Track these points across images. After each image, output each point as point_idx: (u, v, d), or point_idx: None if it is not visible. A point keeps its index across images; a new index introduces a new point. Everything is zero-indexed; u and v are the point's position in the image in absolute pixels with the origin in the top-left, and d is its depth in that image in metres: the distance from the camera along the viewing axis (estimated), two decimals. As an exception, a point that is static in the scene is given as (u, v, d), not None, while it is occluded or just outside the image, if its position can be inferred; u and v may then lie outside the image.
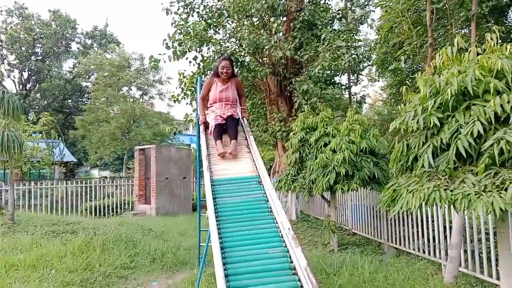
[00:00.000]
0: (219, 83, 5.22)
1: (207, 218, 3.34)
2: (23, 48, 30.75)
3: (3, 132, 8.14)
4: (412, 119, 3.81)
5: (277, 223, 3.16)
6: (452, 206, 3.35)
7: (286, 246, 2.88)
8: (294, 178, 8.47)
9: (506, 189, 3.05)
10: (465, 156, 3.39)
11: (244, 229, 3.11)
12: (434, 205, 6.32)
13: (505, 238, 3.96)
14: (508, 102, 3.24)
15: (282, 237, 2.98)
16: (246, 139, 4.76)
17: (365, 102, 15.35)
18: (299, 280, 2.55)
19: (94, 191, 14.38)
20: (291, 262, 2.72)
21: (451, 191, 3.32)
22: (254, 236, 3.01)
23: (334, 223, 8.06)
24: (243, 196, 3.57)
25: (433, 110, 3.66)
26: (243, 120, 5.32)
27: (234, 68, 5.39)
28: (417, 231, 6.90)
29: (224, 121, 4.97)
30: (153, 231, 9.14)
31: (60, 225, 8.31)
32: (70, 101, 34.38)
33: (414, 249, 6.98)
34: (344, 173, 7.15)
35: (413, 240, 7.01)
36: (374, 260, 6.52)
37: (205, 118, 5.18)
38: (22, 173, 18.66)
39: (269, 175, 13.36)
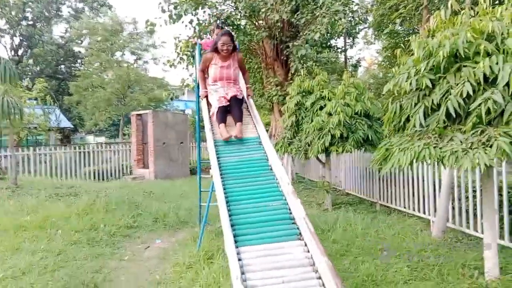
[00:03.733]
0: (219, 60, 4.68)
1: (211, 177, 3.54)
2: (13, 12, 30.00)
3: (2, 98, 8.20)
4: (406, 81, 3.97)
5: (277, 179, 3.38)
6: (441, 163, 3.56)
7: (286, 200, 3.10)
8: (291, 141, 8.67)
9: (491, 146, 3.26)
10: (454, 115, 3.58)
11: (247, 185, 3.32)
12: (425, 165, 6.60)
13: (490, 193, 4.23)
14: (497, 63, 3.39)
15: (282, 191, 3.20)
16: (247, 104, 4.83)
17: (360, 66, 15.43)
18: (298, 228, 2.78)
19: (92, 157, 14.55)
20: (291, 213, 2.95)
21: (440, 148, 3.52)
22: (256, 191, 3.22)
23: (328, 184, 8.35)
24: (244, 155, 3.77)
25: (426, 72, 3.82)
26: (248, 99, 4.96)
27: (235, 42, 4.77)
28: (408, 190, 7.19)
29: (228, 103, 4.51)
30: (154, 193, 9.41)
31: (62, 188, 8.54)
32: (63, 66, 33.93)
33: (404, 207, 7.30)
34: (339, 136, 7.36)
35: (404, 198, 7.32)
36: (366, 217, 6.84)
37: (206, 92, 4.84)
38: (19, 140, 18.72)
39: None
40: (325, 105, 7.81)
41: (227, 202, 3.02)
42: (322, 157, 8.89)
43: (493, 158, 3.21)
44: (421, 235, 5.87)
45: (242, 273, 2.34)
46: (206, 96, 4.86)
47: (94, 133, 37.00)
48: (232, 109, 4.49)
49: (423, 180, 6.75)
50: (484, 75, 3.43)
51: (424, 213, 6.70)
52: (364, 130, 7.47)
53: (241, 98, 4.69)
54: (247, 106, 4.84)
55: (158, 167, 14.06)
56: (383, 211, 7.69)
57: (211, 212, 5.95)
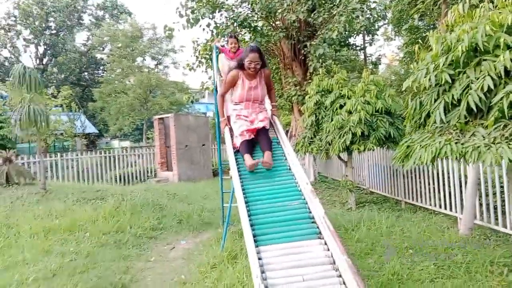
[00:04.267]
0: (245, 79, 4.16)
1: (231, 178, 3.60)
2: (36, 23, 30.98)
3: (28, 106, 8.47)
4: (424, 77, 3.92)
5: (296, 179, 3.40)
6: (463, 159, 3.51)
7: (304, 199, 3.13)
8: (311, 140, 8.66)
9: (514, 140, 3.19)
10: (475, 110, 3.52)
11: (266, 185, 3.36)
12: (450, 161, 6.49)
13: (516, 188, 4.14)
14: (518, 56, 3.32)
15: (301, 191, 3.23)
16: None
17: (380, 63, 15.26)
18: (318, 227, 2.80)
19: (118, 161, 14.87)
20: (310, 212, 2.97)
21: (462, 144, 3.47)
22: (275, 191, 3.26)
23: (351, 183, 8.30)
24: (263, 156, 3.81)
25: (445, 67, 3.77)
26: (272, 118, 4.55)
27: (264, 58, 4.21)
28: (433, 187, 7.08)
29: (253, 136, 4.04)
30: (177, 195, 9.55)
31: (89, 192, 8.76)
32: (86, 73, 34.84)
33: (430, 205, 7.18)
34: (360, 134, 7.31)
35: (430, 196, 7.21)
36: (391, 215, 6.77)
37: (226, 121, 4.38)
38: (46, 146, 19.31)
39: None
40: (344, 103, 7.78)
41: (246, 202, 3.06)
42: (344, 155, 8.84)
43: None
44: (447, 233, 5.77)
45: (262, 272, 2.37)
46: (225, 118, 4.41)
47: (119, 138, 37.78)
48: (260, 140, 4.01)
49: (448, 177, 6.64)
50: (505, 68, 3.35)
51: (451, 210, 6.58)
52: (385, 128, 7.40)
53: (268, 128, 4.21)
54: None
55: (181, 170, 14.26)
56: (408, 209, 7.60)
57: (234, 213, 6.01)
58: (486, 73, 3.47)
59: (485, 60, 3.56)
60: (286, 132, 14.62)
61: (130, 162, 15.54)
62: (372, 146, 7.40)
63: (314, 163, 12.27)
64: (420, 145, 3.87)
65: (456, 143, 3.50)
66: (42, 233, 6.47)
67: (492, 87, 3.42)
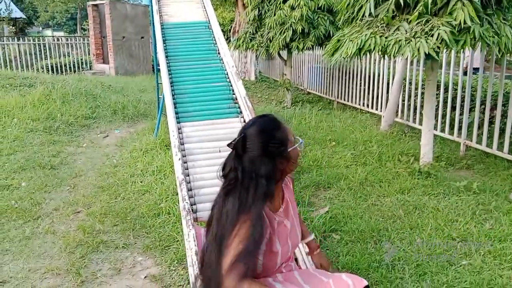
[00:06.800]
0: (276, 217, 1.48)
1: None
2: None
3: None
4: (361, -32, 3.88)
5: (223, 62, 3.41)
6: (384, 52, 3.66)
7: (230, 82, 3.18)
8: (253, 36, 8.51)
9: (432, 35, 3.36)
10: (403, 5, 3.60)
11: (193, 67, 3.35)
12: (382, 64, 6.73)
13: (431, 86, 4.45)
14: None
15: (227, 74, 3.26)
16: None
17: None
18: (239, 107, 2.91)
19: (49, 50, 13.84)
20: (233, 94, 3.06)
21: (386, 38, 3.60)
22: (202, 73, 3.28)
23: (289, 81, 8.45)
24: (192, 38, 3.73)
25: (381, -43, 3.74)
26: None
27: None
28: (364, 89, 7.40)
29: None
30: (113, 87, 9.26)
31: (16, 79, 8.24)
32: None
33: (359, 104, 7.57)
34: (300, 31, 7.28)
35: (360, 96, 7.56)
36: (321, 113, 7.09)
37: None
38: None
39: (230, 36, 13.16)
40: (288, -2, 7.57)
41: (171, 83, 3.06)
42: (284, 54, 8.85)
43: (433, 47, 3.32)
44: (369, 128, 6.20)
45: (182, 143, 2.48)
46: None
47: (52, 28, 34.84)
48: None
49: (378, 79, 6.91)
50: (437, -38, 3.39)
51: (377, 109, 6.99)
52: (325, 26, 7.40)
53: None
54: None
55: (118, 63, 13.65)
56: (339, 108, 7.97)
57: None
58: (418, -34, 3.49)
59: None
60: (230, 29, 14.17)
61: (63, 52, 14.56)
62: (311, 45, 7.45)
63: (256, 62, 12.22)
64: (349, 39, 3.95)
65: (380, 36, 3.62)
66: (-37, 117, 6.15)
67: (421, -19, 3.47)
